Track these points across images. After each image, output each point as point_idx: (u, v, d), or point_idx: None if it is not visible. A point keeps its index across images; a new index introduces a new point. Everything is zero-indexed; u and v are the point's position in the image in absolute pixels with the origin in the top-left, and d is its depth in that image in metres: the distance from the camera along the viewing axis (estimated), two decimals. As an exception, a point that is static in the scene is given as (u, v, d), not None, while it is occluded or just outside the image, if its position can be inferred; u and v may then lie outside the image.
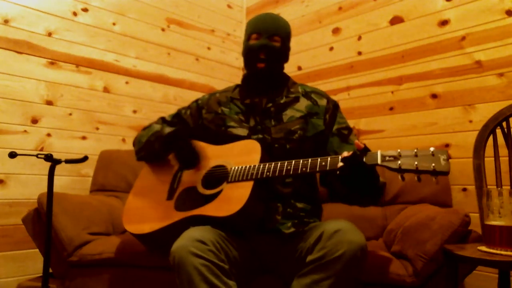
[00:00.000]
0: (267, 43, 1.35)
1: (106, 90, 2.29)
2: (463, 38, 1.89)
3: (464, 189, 1.84)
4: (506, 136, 1.42)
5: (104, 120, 2.27)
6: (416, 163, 0.97)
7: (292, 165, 1.16)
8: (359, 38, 2.32)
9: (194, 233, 1.06)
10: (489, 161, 1.44)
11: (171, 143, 1.36)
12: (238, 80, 1.51)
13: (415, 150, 0.99)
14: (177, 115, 1.54)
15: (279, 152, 1.32)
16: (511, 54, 1.74)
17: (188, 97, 2.58)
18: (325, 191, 1.41)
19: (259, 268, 1.28)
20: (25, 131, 1.99)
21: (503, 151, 1.43)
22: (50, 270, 1.43)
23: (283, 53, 1.41)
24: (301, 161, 1.15)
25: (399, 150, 1.01)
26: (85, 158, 1.39)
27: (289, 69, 2.57)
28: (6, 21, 1.95)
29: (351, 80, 2.33)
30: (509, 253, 1.08)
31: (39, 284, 1.34)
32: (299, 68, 2.62)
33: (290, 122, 1.35)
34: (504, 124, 1.42)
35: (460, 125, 1.87)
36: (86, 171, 2.17)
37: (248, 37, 1.41)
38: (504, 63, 1.76)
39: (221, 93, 1.51)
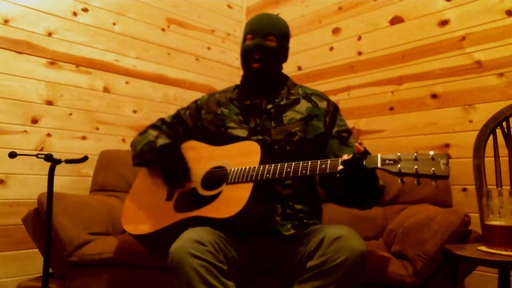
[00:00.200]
0: (261, 43, 1.35)
1: (106, 90, 2.29)
2: (463, 38, 1.89)
3: (464, 189, 1.84)
4: (506, 136, 1.42)
5: (104, 120, 2.27)
6: (416, 167, 0.97)
7: (292, 168, 1.16)
8: (359, 38, 2.32)
9: (192, 234, 1.06)
10: (489, 161, 1.44)
11: (164, 156, 1.37)
12: (238, 80, 1.50)
13: (415, 154, 0.99)
14: (177, 116, 1.53)
15: (279, 153, 1.32)
16: (511, 54, 1.74)
17: (188, 97, 2.58)
18: (324, 193, 1.41)
19: (259, 269, 1.28)
20: (25, 131, 1.99)
21: (503, 151, 1.43)
22: (50, 270, 1.44)
23: (279, 53, 1.39)
24: (301, 164, 1.15)
25: (399, 154, 1.01)
26: (85, 158, 1.39)
27: (289, 69, 2.58)
28: (6, 21, 1.95)
29: (351, 80, 2.33)
30: (509, 253, 1.08)
31: (39, 284, 1.34)
32: (299, 68, 2.62)
33: (290, 123, 1.35)
34: (504, 124, 1.42)
35: (460, 125, 1.87)
36: (86, 171, 2.17)
37: (244, 38, 1.41)
38: (504, 63, 1.76)
39: (220, 93, 1.51)
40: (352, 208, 1.31)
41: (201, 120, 1.46)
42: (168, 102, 2.56)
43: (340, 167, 1.03)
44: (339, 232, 1.05)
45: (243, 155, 1.28)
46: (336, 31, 2.45)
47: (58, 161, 1.35)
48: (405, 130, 2.07)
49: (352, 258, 1.00)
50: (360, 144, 1.08)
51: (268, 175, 1.18)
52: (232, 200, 1.17)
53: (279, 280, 1.25)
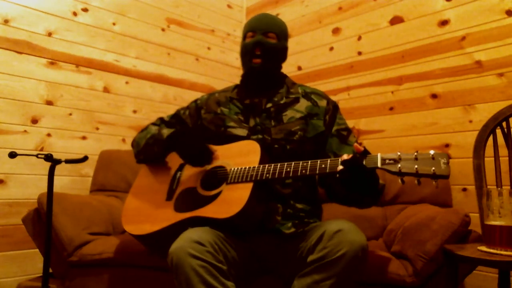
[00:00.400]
0: (262, 39, 1.36)
1: (106, 90, 2.29)
2: (463, 38, 1.89)
3: (464, 189, 1.84)
4: (506, 136, 1.42)
5: (104, 120, 2.27)
6: (416, 166, 0.97)
7: (292, 167, 1.16)
8: (359, 38, 2.32)
9: (192, 234, 1.06)
10: (489, 161, 1.44)
11: (172, 145, 1.36)
12: (238, 80, 1.51)
13: (415, 154, 0.99)
14: (176, 116, 1.53)
15: (278, 152, 1.32)
16: (511, 54, 1.74)
17: (188, 97, 2.58)
18: (324, 192, 1.41)
19: (259, 269, 1.28)
20: (25, 131, 1.99)
21: (503, 151, 1.43)
22: (50, 270, 1.43)
23: (279, 50, 1.40)
24: (300, 163, 1.15)
25: (399, 153, 1.01)
26: (85, 158, 1.39)
27: (289, 69, 2.58)
28: (6, 21, 1.96)
29: (351, 80, 2.33)
30: (509, 253, 1.08)
31: (39, 284, 1.34)
32: (299, 68, 2.62)
33: (290, 122, 1.35)
34: (504, 124, 1.42)
35: (460, 125, 1.87)
36: (86, 171, 2.17)
37: (244, 37, 1.42)
38: (504, 63, 1.76)
39: (220, 93, 1.51)
40: (352, 207, 1.31)
41: (201, 120, 1.46)
42: (168, 102, 2.56)
43: (340, 167, 1.03)
44: (340, 226, 1.05)
45: (243, 155, 1.28)
46: (336, 31, 2.45)
47: (58, 161, 1.35)
48: (405, 130, 2.07)
49: (352, 251, 1.00)
50: (360, 144, 1.08)
51: (268, 175, 1.18)
52: (232, 200, 1.17)
53: (279, 280, 1.25)
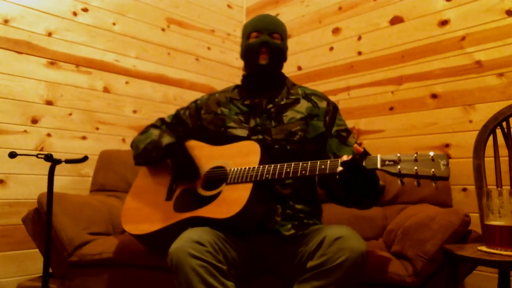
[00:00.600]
0: (268, 39, 1.37)
1: (106, 90, 2.29)
2: (463, 38, 1.89)
3: (464, 189, 1.84)
4: (506, 136, 1.42)
5: (104, 120, 2.27)
6: (415, 168, 0.97)
7: (292, 168, 1.16)
8: (359, 38, 2.32)
9: (192, 234, 1.06)
10: (489, 161, 1.44)
11: (170, 154, 1.37)
12: (238, 80, 1.51)
13: (415, 155, 0.99)
14: (176, 116, 1.53)
15: (279, 153, 1.32)
16: (511, 54, 1.74)
17: (188, 97, 2.58)
18: (323, 193, 1.41)
19: (258, 269, 1.28)
20: (25, 131, 1.99)
21: (503, 151, 1.43)
22: (50, 270, 1.43)
23: (284, 51, 1.43)
24: (300, 164, 1.15)
25: (398, 155, 1.01)
26: (85, 158, 1.39)
27: (289, 69, 2.58)
28: (6, 21, 1.96)
29: (351, 80, 2.33)
30: (509, 253, 1.08)
31: (39, 284, 1.34)
32: (299, 68, 2.62)
33: (290, 123, 1.35)
34: (504, 124, 1.42)
35: (460, 125, 1.87)
36: (86, 171, 2.17)
37: (247, 37, 1.41)
38: (504, 63, 1.76)
39: (220, 93, 1.51)
40: (351, 208, 1.31)
41: (201, 120, 1.46)
42: (168, 102, 2.56)
43: (340, 168, 1.03)
44: (340, 233, 1.05)
45: (243, 155, 1.28)
46: (336, 31, 2.45)
47: (58, 161, 1.35)
48: (405, 130, 2.07)
49: (352, 258, 1.00)
50: (360, 144, 1.08)
51: (267, 175, 1.18)
52: (232, 200, 1.17)
53: (279, 280, 1.25)
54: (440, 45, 1.97)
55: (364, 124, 2.24)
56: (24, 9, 2.01)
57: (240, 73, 1.49)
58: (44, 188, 1.46)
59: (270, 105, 1.39)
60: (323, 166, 1.11)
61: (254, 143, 1.29)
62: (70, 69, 2.16)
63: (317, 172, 1.12)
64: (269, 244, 1.25)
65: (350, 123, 2.24)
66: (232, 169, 1.25)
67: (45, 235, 1.34)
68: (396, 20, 2.16)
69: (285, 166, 1.17)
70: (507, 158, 1.39)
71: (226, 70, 2.89)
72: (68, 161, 1.37)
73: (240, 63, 2.94)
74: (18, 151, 1.35)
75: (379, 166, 1.02)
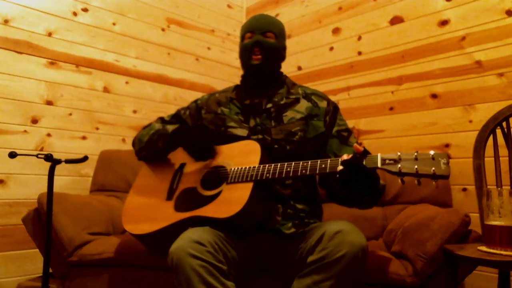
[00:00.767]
0: (260, 39, 1.37)
1: (106, 90, 2.29)
2: (463, 38, 1.89)
3: (464, 189, 1.84)
4: (506, 136, 1.42)
5: (104, 120, 2.27)
6: (416, 166, 0.97)
7: (292, 167, 1.16)
8: (359, 38, 2.32)
9: (192, 234, 1.06)
10: (489, 161, 1.44)
11: (177, 140, 1.36)
12: (238, 80, 1.51)
13: (415, 154, 0.99)
14: (176, 116, 1.54)
15: (279, 153, 1.32)
16: (511, 54, 1.74)
17: (188, 97, 2.58)
18: (324, 192, 1.41)
19: (259, 269, 1.28)
20: (25, 131, 1.99)
21: (503, 151, 1.43)
22: (50, 270, 1.43)
23: (278, 49, 1.41)
24: (301, 163, 1.15)
25: (399, 153, 1.01)
26: (85, 158, 1.39)
27: (289, 69, 2.58)
28: (6, 21, 1.96)
29: (351, 80, 2.33)
30: (509, 253, 1.08)
31: (39, 284, 1.34)
32: (299, 68, 2.62)
33: (290, 123, 1.35)
34: (504, 124, 1.42)
35: (460, 125, 1.87)
36: (86, 171, 2.17)
37: (242, 38, 1.43)
38: (504, 63, 1.76)
39: (220, 93, 1.51)
40: (352, 207, 1.31)
41: (201, 120, 1.46)
42: (168, 102, 2.56)
43: (340, 167, 1.03)
44: (340, 227, 1.05)
45: (243, 155, 1.28)
46: (336, 31, 2.45)
47: (58, 161, 1.35)
48: (405, 130, 2.07)
49: (352, 252, 1.00)
50: (360, 144, 1.08)
51: (268, 175, 1.18)
52: (232, 199, 1.17)
53: (279, 280, 1.25)
54: (440, 45, 1.97)
55: (364, 124, 2.24)
56: (24, 9, 2.01)
57: (240, 73, 1.49)
58: (44, 188, 1.46)
59: (270, 105, 1.39)
60: (323, 165, 1.11)
61: (255, 143, 1.29)
62: (70, 69, 2.16)
63: (317, 171, 1.12)
64: (270, 244, 1.25)
65: (350, 123, 2.24)
66: (233, 169, 1.25)
67: (45, 235, 1.34)
68: (396, 20, 2.16)
69: (286, 165, 1.17)
70: (507, 158, 1.39)
71: (226, 70, 2.89)
72: (68, 161, 1.37)
73: (240, 63, 2.94)
74: (18, 151, 1.35)
75: (379, 165, 1.02)
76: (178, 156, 1.41)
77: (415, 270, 1.21)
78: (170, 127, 1.38)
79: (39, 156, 1.32)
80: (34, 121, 2.02)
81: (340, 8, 2.44)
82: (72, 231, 1.55)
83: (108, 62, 2.31)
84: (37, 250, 1.72)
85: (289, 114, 1.37)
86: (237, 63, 2.92)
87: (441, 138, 1.93)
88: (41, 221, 1.56)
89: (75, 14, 2.19)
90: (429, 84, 1.99)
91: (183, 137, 1.35)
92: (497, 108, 1.49)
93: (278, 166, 1.18)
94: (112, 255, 1.48)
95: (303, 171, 1.14)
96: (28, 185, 1.98)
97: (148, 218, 1.31)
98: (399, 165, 0.99)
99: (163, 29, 2.57)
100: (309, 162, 1.14)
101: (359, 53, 2.31)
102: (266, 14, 1.48)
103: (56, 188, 1.56)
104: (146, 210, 1.34)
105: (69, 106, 2.14)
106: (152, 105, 2.48)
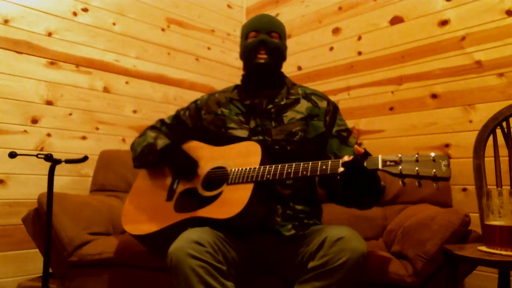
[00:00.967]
0: (266, 38, 1.37)
1: (106, 90, 2.29)
2: (463, 38, 1.89)
3: (464, 189, 1.84)
4: (506, 136, 1.42)
5: (104, 120, 2.27)
6: (417, 168, 0.97)
7: (293, 168, 1.16)
8: (359, 38, 2.32)
9: (191, 234, 1.06)
10: (489, 161, 1.44)
11: (166, 156, 1.37)
12: (238, 80, 1.51)
13: (416, 155, 0.99)
14: (176, 117, 1.53)
15: (279, 153, 1.31)
16: (511, 54, 1.74)
17: (188, 97, 2.58)
18: (323, 192, 1.41)
19: (259, 269, 1.28)
20: (25, 131, 1.99)
21: (503, 151, 1.43)
22: (50, 270, 1.43)
23: (282, 50, 1.43)
24: (301, 165, 1.15)
25: (399, 155, 1.01)
26: (85, 158, 1.39)
27: (289, 69, 2.58)
28: (6, 21, 1.95)
29: (351, 80, 2.33)
30: (509, 253, 1.08)
31: (39, 284, 1.34)
32: (299, 68, 2.62)
33: (290, 123, 1.35)
34: (504, 124, 1.42)
35: (460, 125, 1.87)
36: (86, 171, 2.17)
37: (245, 37, 1.42)
38: (504, 63, 1.76)
39: (220, 93, 1.51)
40: (352, 208, 1.31)
41: (201, 121, 1.46)
42: (168, 102, 2.56)
43: (341, 168, 1.03)
44: (341, 233, 1.05)
45: (244, 156, 1.28)
46: (336, 31, 2.45)
47: (58, 161, 1.35)
48: (405, 130, 2.07)
49: (353, 259, 1.00)
50: (360, 145, 1.08)
51: (268, 176, 1.18)
52: (233, 200, 1.17)
53: (279, 280, 1.25)
54: (440, 45, 1.97)
55: (364, 124, 2.24)
56: (24, 9, 2.01)
57: (240, 73, 1.49)
58: (44, 188, 1.46)
59: (270, 106, 1.39)
60: (324, 167, 1.11)
61: (255, 144, 1.29)
62: (70, 69, 2.16)
63: (318, 173, 1.12)
64: (270, 244, 1.25)
65: (350, 123, 2.24)
66: (233, 170, 1.25)
67: (45, 235, 1.34)
68: (396, 20, 2.16)
69: (286, 166, 1.17)
70: (507, 158, 1.39)
71: (226, 70, 2.89)
72: (68, 161, 1.37)
73: (240, 63, 2.93)
74: (18, 151, 1.35)
75: (380, 166, 1.02)
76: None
77: (415, 270, 1.21)
78: (160, 143, 1.38)
79: (39, 156, 1.32)
80: (34, 121, 2.02)
81: (340, 8, 2.44)
82: (72, 231, 1.55)
83: (108, 62, 2.31)
84: (37, 250, 1.72)
85: (289, 115, 1.37)
86: (237, 63, 2.93)
87: (441, 138, 1.93)
88: (41, 221, 1.56)
89: (75, 14, 2.19)
90: (429, 84, 1.99)
91: (170, 156, 1.35)
92: (497, 108, 1.49)
93: (279, 167, 1.18)
94: (112, 255, 1.48)
95: (304, 172, 1.14)
96: (28, 185, 1.98)
97: (148, 218, 1.31)
98: (400, 167, 0.99)
99: (163, 29, 2.57)
100: (310, 164, 1.14)
101: (359, 53, 2.31)
102: (268, 14, 1.48)
103: (56, 188, 1.56)
104: (146, 210, 1.34)
105: (69, 106, 2.14)
106: (152, 105, 2.48)
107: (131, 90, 2.40)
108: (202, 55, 2.77)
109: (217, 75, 2.84)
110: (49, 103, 2.07)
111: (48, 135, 2.06)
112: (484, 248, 1.14)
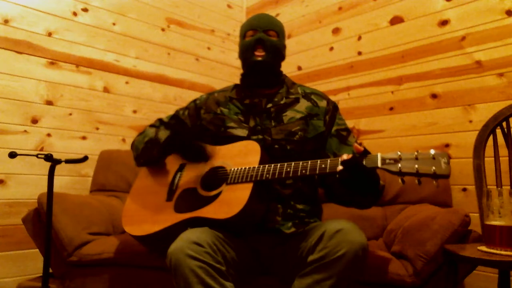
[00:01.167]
0: (263, 36, 1.37)
1: (106, 90, 2.29)
2: (463, 38, 1.89)
3: (464, 189, 1.84)
4: (506, 136, 1.42)
5: (104, 120, 2.27)
6: (416, 166, 0.97)
7: (292, 167, 1.16)
8: (359, 38, 2.32)
9: (190, 235, 1.06)
10: (489, 161, 1.44)
11: (171, 147, 1.36)
12: (238, 80, 1.51)
13: (416, 153, 0.99)
14: (175, 116, 1.53)
15: (279, 153, 1.32)
16: (511, 54, 1.74)
17: (188, 97, 2.58)
18: (322, 192, 1.40)
19: (259, 269, 1.28)
20: (25, 131, 1.99)
21: (503, 151, 1.43)
22: (50, 270, 1.43)
23: (280, 48, 1.42)
24: (300, 163, 1.15)
25: (399, 153, 1.00)
26: (85, 158, 1.39)
27: (289, 69, 2.58)
28: (6, 21, 1.96)
29: (351, 80, 2.33)
30: (509, 253, 1.08)
31: (39, 284, 1.34)
32: (299, 68, 2.62)
33: (290, 123, 1.35)
34: (504, 124, 1.42)
35: (460, 125, 1.87)
36: (86, 171, 2.17)
37: (243, 36, 1.43)
38: (504, 63, 1.76)
39: (219, 92, 1.51)
40: (351, 207, 1.31)
41: (201, 120, 1.46)
42: (168, 102, 2.56)
43: (340, 167, 1.03)
44: (340, 226, 1.05)
45: (243, 155, 1.28)
46: (336, 31, 2.45)
47: (58, 161, 1.35)
48: (405, 130, 2.07)
49: (352, 251, 1.00)
50: (360, 144, 1.08)
51: (268, 175, 1.18)
52: (232, 200, 1.17)
53: (279, 280, 1.25)
54: (440, 45, 1.97)
55: (364, 124, 2.24)
56: (24, 9, 2.01)
57: (240, 73, 1.49)
58: (44, 188, 1.46)
59: (270, 105, 1.39)
60: (323, 165, 1.11)
61: (254, 143, 1.29)
62: (70, 69, 2.16)
63: (317, 172, 1.11)
64: (270, 244, 1.25)
65: (350, 123, 2.25)
66: (232, 169, 1.25)
67: (45, 235, 1.34)
68: (396, 20, 2.16)
69: (285, 165, 1.17)
70: (507, 158, 1.39)
71: (226, 70, 2.89)
72: (68, 161, 1.37)
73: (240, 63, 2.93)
74: (18, 151, 1.35)
75: (379, 164, 1.01)
76: (178, 157, 1.41)
77: (415, 270, 1.21)
78: (163, 135, 1.37)
79: (39, 156, 1.32)
80: (34, 121, 2.02)
81: (340, 8, 2.44)
82: (72, 231, 1.54)
83: (108, 62, 2.31)
84: (37, 250, 1.72)
85: (289, 114, 1.37)
86: (237, 63, 2.92)
87: (441, 138, 1.93)
88: (41, 221, 1.56)
89: (75, 14, 2.19)
90: (429, 84, 1.99)
91: (175, 144, 1.35)
92: (497, 108, 1.49)
93: (278, 166, 1.18)
94: (112, 255, 1.48)
95: (303, 171, 1.14)
96: (28, 185, 1.98)
97: (148, 219, 1.31)
98: (400, 165, 0.99)
99: (163, 29, 2.57)
100: (309, 162, 1.14)
101: (359, 53, 2.31)
102: (267, 13, 1.48)
103: (56, 188, 1.56)
104: (146, 211, 1.34)
105: (69, 106, 2.14)
106: (152, 105, 2.48)
107: (131, 90, 2.40)
108: (202, 55, 2.77)
109: (217, 75, 2.84)
110: (49, 103, 2.07)
111: (48, 135, 2.06)
112: (484, 248, 1.14)
